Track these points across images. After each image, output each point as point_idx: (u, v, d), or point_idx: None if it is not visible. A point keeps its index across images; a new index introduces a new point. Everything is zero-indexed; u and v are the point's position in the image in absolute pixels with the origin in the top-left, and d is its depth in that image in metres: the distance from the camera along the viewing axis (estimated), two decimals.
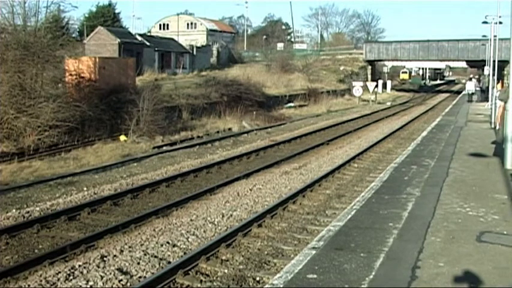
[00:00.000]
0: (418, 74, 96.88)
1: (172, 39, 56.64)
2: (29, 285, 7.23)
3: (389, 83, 65.97)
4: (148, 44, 48.07)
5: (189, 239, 9.10)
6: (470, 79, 46.30)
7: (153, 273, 7.52)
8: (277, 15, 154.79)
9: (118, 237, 9.24)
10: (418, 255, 5.82)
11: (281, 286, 5.00)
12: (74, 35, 48.61)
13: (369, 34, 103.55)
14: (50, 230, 9.72)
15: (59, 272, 7.52)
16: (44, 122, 18.72)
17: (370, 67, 62.78)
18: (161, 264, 7.96)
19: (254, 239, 9.07)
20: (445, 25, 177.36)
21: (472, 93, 40.62)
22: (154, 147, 19.95)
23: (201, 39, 65.64)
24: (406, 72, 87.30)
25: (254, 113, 30.89)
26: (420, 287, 4.98)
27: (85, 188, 12.94)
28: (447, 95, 66.17)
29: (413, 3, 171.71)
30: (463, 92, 58.25)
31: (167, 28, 70.22)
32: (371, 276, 5.19)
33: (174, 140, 21.77)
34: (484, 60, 45.67)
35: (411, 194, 8.80)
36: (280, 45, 70.43)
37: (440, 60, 68.74)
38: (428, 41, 59.30)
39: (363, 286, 4.97)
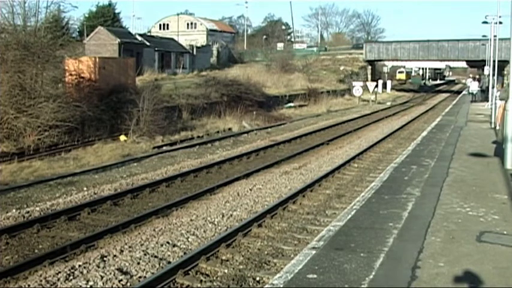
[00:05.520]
0: (418, 74, 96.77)
1: (172, 39, 56.65)
2: (29, 285, 7.22)
3: (389, 83, 65.97)
4: (148, 44, 48.08)
5: (189, 239, 9.10)
6: (475, 79, 46.19)
7: (153, 273, 7.52)
8: (277, 15, 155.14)
9: (118, 237, 9.24)
10: (418, 255, 5.82)
11: (281, 286, 5.00)
12: (74, 35, 48.56)
13: (369, 34, 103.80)
14: (50, 230, 9.72)
15: (59, 272, 7.52)
16: (44, 122, 18.71)
17: (370, 67, 62.82)
18: (161, 264, 7.96)
19: (254, 239, 9.07)
20: (445, 25, 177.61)
21: (475, 94, 40.66)
22: (154, 147, 19.94)
23: (201, 39, 65.67)
24: (402, 72, 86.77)
25: (254, 113, 30.88)
26: (420, 287, 4.98)
27: (85, 188, 12.94)
28: (447, 95, 66.20)
29: (413, 3, 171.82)
30: (463, 92, 58.30)
31: (167, 28, 70.25)
32: (371, 276, 5.19)
33: (174, 140, 21.77)
34: (484, 60, 45.65)
35: (411, 194, 8.80)
36: (280, 45, 70.42)
37: (440, 60, 68.78)
38: (428, 41, 59.32)
39: (363, 286, 4.97)
